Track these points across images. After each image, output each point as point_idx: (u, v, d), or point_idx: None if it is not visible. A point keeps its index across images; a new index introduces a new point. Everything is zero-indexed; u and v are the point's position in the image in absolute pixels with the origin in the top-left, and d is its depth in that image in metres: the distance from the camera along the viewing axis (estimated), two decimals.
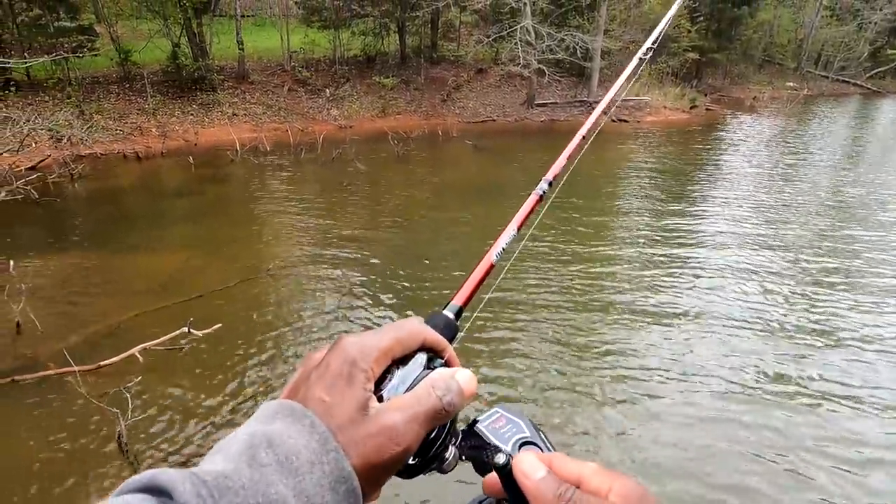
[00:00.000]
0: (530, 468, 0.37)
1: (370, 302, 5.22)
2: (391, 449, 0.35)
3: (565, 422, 3.61)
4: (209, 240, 7.09)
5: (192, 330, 4.12)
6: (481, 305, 0.80)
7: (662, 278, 5.77)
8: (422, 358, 0.44)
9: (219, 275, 5.85)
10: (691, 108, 19.34)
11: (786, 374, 4.14)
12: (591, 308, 5.12)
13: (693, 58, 21.27)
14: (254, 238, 7.15)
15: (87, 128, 12.00)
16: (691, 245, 6.76)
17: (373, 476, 0.35)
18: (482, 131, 15.67)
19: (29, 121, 10.60)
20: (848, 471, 3.22)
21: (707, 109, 20.03)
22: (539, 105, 18.08)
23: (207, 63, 15.03)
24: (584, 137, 0.94)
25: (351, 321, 4.85)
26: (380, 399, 0.39)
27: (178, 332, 4.16)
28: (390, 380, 0.41)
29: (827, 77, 28.80)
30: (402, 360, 0.42)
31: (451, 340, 0.54)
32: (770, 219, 7.77)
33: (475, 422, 0.48)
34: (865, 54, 29.10)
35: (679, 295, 5.39)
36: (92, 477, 3.20)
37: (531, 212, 0.75)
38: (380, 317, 4.93)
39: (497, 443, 0.47)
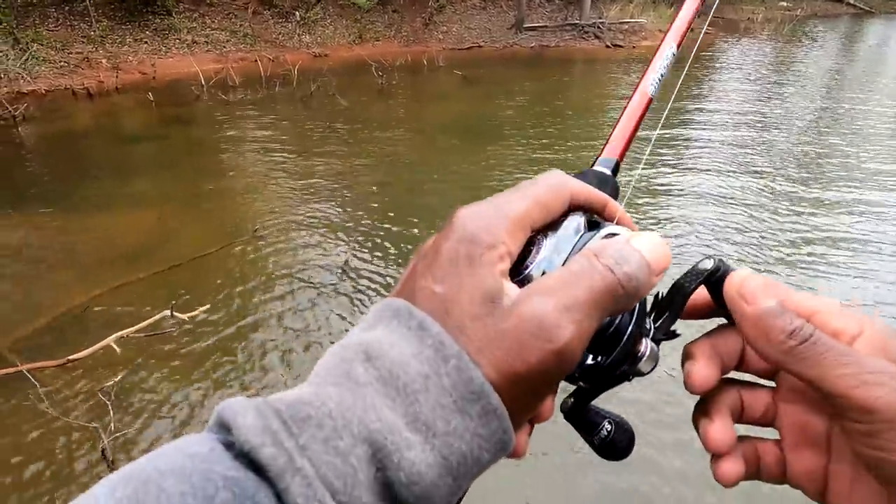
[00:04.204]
0: (753, 291, 0.27)
1: (380, 259, 4.66)
2: (539, 349, 0.23)
3: None
4: (182, 194, 6.28)
5: (175, 313, 3.54)
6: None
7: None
8: (577, 221, 0.30)
9: (198, 237, 5.16)
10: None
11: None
12: None
13: None
14: (233, 191, 6.36)
15: (25, 59, 10.53)
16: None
17: (520, 391, 0.23)
18: (469, 59, 14.48)
19: None
20: None
21: (704, 33, 18.98)
22: (528, 29, 16.76)
23: None
24: None
25: (359, 282, 4.30)
26: (526, 282, 0.27)
27: (158, 315, 3.57)
28: (537, 253, 0.28)
29: None
30: (551, 228, 0.29)
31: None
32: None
33: None
34: None
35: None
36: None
37: (693, 19, 0.55)
38: (392, 274, 4.39)
39: None
